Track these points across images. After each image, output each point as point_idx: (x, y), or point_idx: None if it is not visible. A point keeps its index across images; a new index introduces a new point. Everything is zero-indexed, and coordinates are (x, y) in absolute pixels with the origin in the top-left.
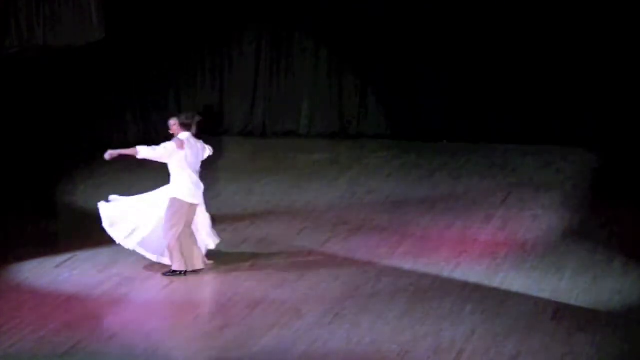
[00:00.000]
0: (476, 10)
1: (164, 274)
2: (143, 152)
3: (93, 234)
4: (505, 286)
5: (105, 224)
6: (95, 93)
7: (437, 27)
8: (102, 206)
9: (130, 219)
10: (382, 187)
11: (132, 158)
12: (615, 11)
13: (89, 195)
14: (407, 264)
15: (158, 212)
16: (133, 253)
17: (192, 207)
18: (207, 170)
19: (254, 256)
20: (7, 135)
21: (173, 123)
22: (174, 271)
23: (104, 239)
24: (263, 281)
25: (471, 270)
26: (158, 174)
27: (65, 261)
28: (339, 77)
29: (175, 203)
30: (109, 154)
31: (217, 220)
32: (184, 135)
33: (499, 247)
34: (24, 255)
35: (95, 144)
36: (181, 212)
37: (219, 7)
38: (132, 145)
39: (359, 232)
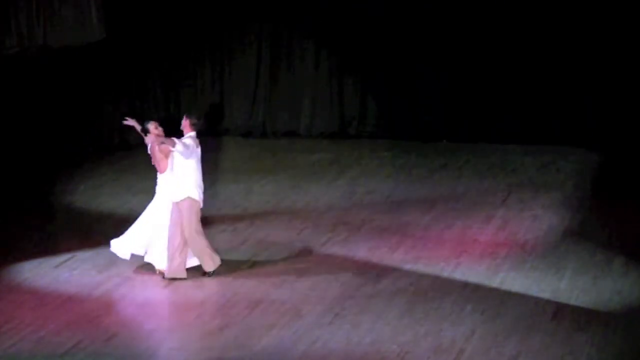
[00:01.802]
0: (476, 11)
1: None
2: (178, 146)
3: (93, 234)
4: (505, 286)
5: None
6: (95, 93)
7: (437, 27)
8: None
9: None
10: (382, 187)
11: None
12: (615, 11)
13: (89, 195)
14: (407, 264)
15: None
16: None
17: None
18: (207, 170)
19: (254, 256)
20: (7, 135)
21: (185, 121)
22: (208, 272)
23: (104, 239)
24: (263, 281)
25: (471, 270)
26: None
27: (65, 261)
28: (339, 78)
29: (193, 204)
30: (150, 139)
31: (217, 221)
32: (193, 134)
33: (499, 247)
34: (24, 255)
35: (96, 144)
36: (198, 211)
37: (220, 8)
38: (132, 145)
39: (359, 232)
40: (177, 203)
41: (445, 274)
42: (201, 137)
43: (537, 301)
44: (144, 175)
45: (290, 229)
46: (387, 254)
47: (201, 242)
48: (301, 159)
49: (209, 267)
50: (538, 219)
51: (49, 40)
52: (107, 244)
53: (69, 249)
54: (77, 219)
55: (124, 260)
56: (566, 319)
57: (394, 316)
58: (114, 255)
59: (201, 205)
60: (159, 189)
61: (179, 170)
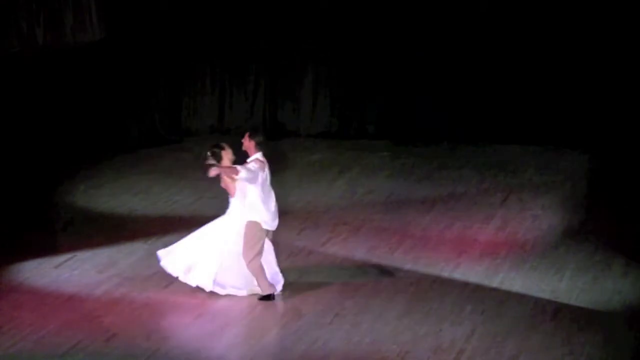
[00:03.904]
0: (476, 12)
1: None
2: (242, 173)
3: (93, 234)
4: (505, 286)
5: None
6: (95, 93)
7: (437, 27)
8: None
9: (190, 256)
10: (382, 187)
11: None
12: (613, 15)
13: (89, 195)
14: (407, 264)
15: (220, 244)
16: (133, 253)
17: (268, 232)
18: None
19: None
20: (7, 136)
21: (249, 142)
22: (267, 296)
23: (104, 239)
24: None
25: (471, 270)
26: (158, 176)
27: (65, 261)
28: (339, 78)
29: (253, 226)
30: (213, 172)
31: None
32: (259, 155)
33: (499, 247)
34: (24, 255)
35: (96, 144)
36: (261, 235)
37: (220, 7)
38: (132, 143)
39: (359, 232)
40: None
41: (445, 274)
42: (203, 135)
43: (537, 301)
44: (144, 176)
45: (290, 229)
46: (387, 254)
47: (259, 265)
48: (301, 159)
49: (266, 290)
50: (538, 219)
51: (49, 40)
52: (107, 244)
53: (69, 249)
54: (77, 219)
55: (124, 260)
56: (566, 319)
57: (394, 316)
58: (114, 255)
59: (267, 225)
60: (230, 211)
61: (244, 194)
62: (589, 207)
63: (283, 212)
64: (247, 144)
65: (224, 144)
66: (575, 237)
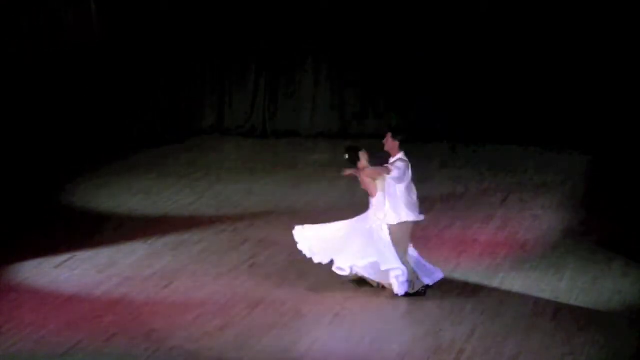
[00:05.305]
0: (476, 12)
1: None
2: (394, 172)
3: (93, 234)
4: (505, 286)
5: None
6: (95, 93)
7: (437, 27)
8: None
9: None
10: None
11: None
12: (613, 15)
13: (89, 195)
14: None
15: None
16: (133, 253)
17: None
18: (208, 170)
19: (254, 256)
20: (8, 136)
21: (393, 142)
22: (418, 291)
23: (103, 239)
24: (263, 281)
25: (471, 270)
26: (158, 175)
27: (65, 261)
28: (340, 78)
29: (403, 226)
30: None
31: (217, 221)
32: (402, 154)
33: (499, 247)
34: (24, 255)
35: (96, 144)
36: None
37: (220, 8)
38: (131, 144)
39: None
40: (391, 225)
41: (445, 274)
42: (203, 136)
43: (537, 301)
44: (144, 175)
45: (290, 229)
46: None
47: (407, 264)
48: (301, 159)
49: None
50: (538, 219)
51: (49, 41)
52: (107, 244)
53: (69, 249)
54: (77, 219)
55: (124, 261)
56: (566, 319)
57: (394, 316)
58: (113, 255)
59: (418, 219)
60: (372, 211)
61: (390, 194)
62: (589, 207)
63: (283, 212)
64: (391, 144)
65: (360, 146)
66: (575, 237)
